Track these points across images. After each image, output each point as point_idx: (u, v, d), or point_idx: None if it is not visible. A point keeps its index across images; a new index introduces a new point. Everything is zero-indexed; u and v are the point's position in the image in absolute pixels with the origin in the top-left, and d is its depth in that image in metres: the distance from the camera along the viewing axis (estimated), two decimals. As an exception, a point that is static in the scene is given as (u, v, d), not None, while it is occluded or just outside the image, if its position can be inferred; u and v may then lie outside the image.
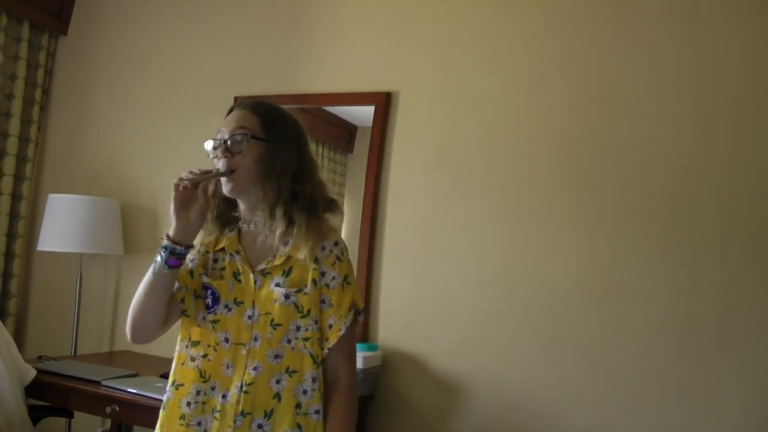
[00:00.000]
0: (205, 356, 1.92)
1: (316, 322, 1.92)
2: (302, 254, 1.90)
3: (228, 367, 1.89)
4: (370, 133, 3.52)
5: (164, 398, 1.96)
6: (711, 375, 2.88)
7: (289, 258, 1.92)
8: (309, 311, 1.91)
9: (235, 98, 3.87)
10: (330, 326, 1.93)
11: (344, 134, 3.70)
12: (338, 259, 1.96)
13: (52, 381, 3.20)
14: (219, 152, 1.91)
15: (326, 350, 1.93)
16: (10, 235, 4.30)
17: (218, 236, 2.01)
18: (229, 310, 1.92)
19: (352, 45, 3.69)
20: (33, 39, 4.32)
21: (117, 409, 3.03)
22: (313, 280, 1.91)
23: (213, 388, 1.90)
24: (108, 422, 3.99)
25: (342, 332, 1.94)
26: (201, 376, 1.91)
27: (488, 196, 3.31)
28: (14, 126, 4.23)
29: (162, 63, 4.20)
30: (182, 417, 1.90)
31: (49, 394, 3.25)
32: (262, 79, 3.86)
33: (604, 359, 3.05)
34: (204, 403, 1.89)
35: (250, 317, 1.90)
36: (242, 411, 1.86)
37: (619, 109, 3.11)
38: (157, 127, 4.17)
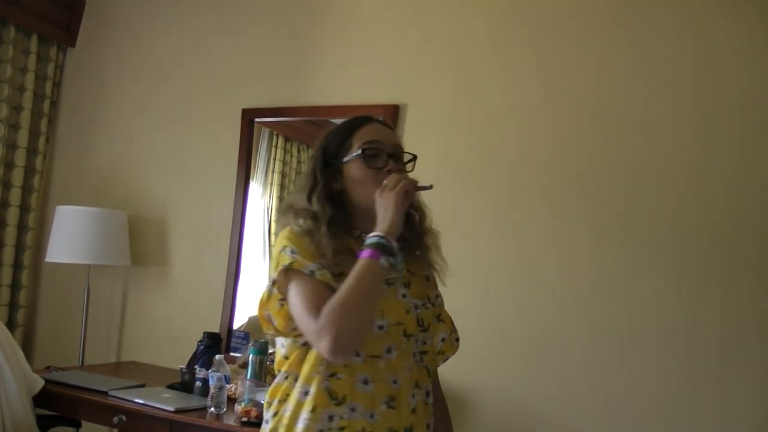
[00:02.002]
0: (333, 375, 1.71)
1: (432, 336, 1.90)
2: (420, 270, 1.91)
3: (366, 384, 1.71)
4: (378, 146, 3.52)
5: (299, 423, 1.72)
6: (717, 390, 2.87)
7: (407, 271, 1.86)
8: (429, 326, 1.88)
9: (243, 110, 3.90)
10: (443, 340, 1.95)
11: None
12: (439, 278, 1.98)
13: (60, 391, 3.20)
14: (391, 165, 1.83)
15: (440, 363, 1.98)
16: (19, 247, 4.33)
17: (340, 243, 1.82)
18: None
19: (361, 57, 3.70)
20: (41, 51, 4.36)
21: (124, 419, 3.03)
22: (428, 297, 1.90)
23: (353, 410, 1.70)
24: (115, 432, 4.01)
25: (456, 346, 2.00)
26: (332, 398, 1.70)
27: (496, 211, 3.31)
28: (23, 138, 4.26)
29: (170, 76, 4.23)
30: None
31: (57, 403, 3.26)
32: (271, 92, 3.89)
33: (610, 375, 3.05)
34: (342, 428, 1.68)
35: (380, 327, 1.76)
36: (389, 428, 1.73)
37: (626, 123, 3.11)
38: (164, 139, 4.20)
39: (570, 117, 3.21)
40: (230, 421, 2.83)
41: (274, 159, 3.92)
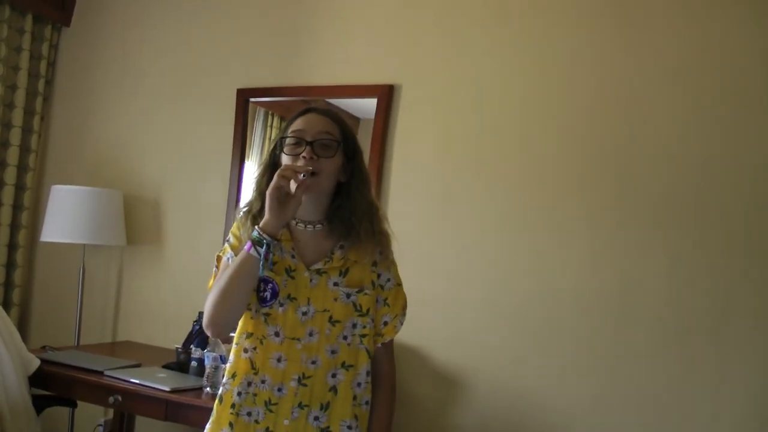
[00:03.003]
0: (254, 348, 1.94)
1: (372, 320, 2.00)
2: (362, 258, 1.98)
3: (280, 361, 1.92)
4: (373, 126, 3.52)
5: (220, 391, 1.98)
6: (710, 374, 2.89)
7: (346, 260, 1.97)
8: (368, 311, 1.98)
9: (238, 90, 3.88)
10: (385, 323, 2.05)
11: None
12: (393, 262, 2.08)
13: (56, 371, 3.22)
14: (305, 152, 1.90)
15: (378, 345, 2.04)
16: (14, 226, 4.32)
17: None
18: (281, 305, 1.93)
19: (356, 37, 3.69)
20: (36, 31, 4.33)
21: (120, 399, 3.05)
22: (372, 282, 2.01)
23: (263, 381, 1.92)
24: (111, 412, 4.02)
25: (398, 329, 2.08)
26: (252, 367, 1.94)
27: (491, 192, 3.31)
28: (17, 117, 4.25)
29: (165, 55, 4.21)
30: (233, 406, 1.93)
31: (52, 383, 3.27)
32: (265, 71, 3.87)
33: (604, 355, 3.06)
34: (255, 394, 1.92)
35: (304, 313, 1.93)
36: (299, 403, 1.92)
37: (624, 107, 3.11)
38: (160, 118, 4.18)
39: (566, 99, 3.20)
40: (226, 400, 2.83)
41: (269, 139, 3.91)
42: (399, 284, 2.09)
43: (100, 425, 4.12)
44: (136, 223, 4.18)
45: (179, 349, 3.33)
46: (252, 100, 3.88)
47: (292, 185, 1.82)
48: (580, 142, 3.17)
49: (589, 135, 3.15)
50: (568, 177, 3.17)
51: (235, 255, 1.95)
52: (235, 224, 2.05)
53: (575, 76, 3.19)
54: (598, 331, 3.08)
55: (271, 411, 1.91)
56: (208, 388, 2.92)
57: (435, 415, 3.35)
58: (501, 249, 3.27)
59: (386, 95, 3.50)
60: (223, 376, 2.00)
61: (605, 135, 3.12)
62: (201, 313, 3.38)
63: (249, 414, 1.92)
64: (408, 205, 3.48)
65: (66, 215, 3.90)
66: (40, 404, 3.28)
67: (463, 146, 3.38)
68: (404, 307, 2.10)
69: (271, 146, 2.03)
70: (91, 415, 4.09)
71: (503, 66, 3.34)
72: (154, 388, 2.97)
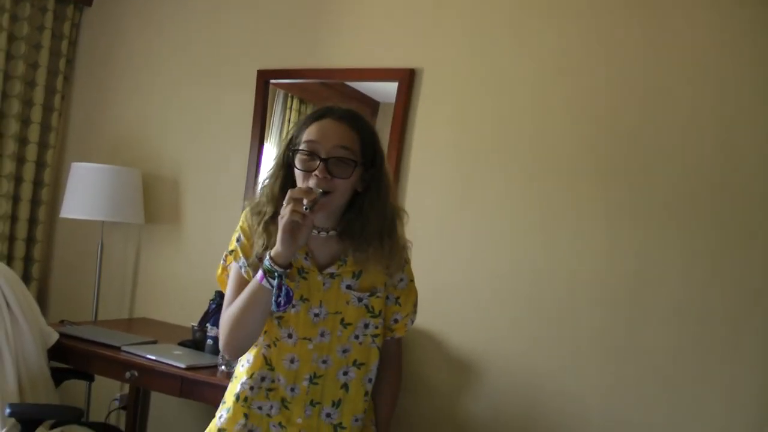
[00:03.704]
0: (269, 346, 1.93)
1: (384, 319, 2.01)
2: (378, 265, 1.94)
3: (293, 362, 1.92)
4: (393, 110, 3.51)
5: (237, 390, 1.97)
6: (726, 365, 2.87)
7: (360, 263, 1.93)
8: (380, 312, 1.98)
9: (258, 71, 3.90)
10: (395, 320, 2.06)
11: (366, 110, 3.69)
12: (406, 262, 2.05)
13: (74, 345, 3.26)
14: (318, 170, 1.80)
15: (387, 338, 2.05)
16: (34, 202, 4.37)
17: None
18: (294, 306, 1.89)
19: (377, 20, 3.67)
20: (58, 10, 4.35)
21: (136, 374, 3.08)
22: (384, 284, 1.99)
23: (279, 380, 1.93)
24: (127, 387, 4.07)
25: (408, 327, 2.09)
26: (267, 363, 1.94)
27: (511, 179, 3.30)
28: (38, 95, 4.28)
29: (185, 35, 4.22)
30: (245, 399, 1.94)
31: (70, 357, 3.32)
32: (285, 54, 3.88)
33: (618, 344, 3.05)
34: (270, 389, 1.93)
35: (316, 315, 1.91)
36: (311, 401, 1.93)
37: (646, 95, 3.08)
38: (180, 98, 4.20)
39: (587, 86, 3.18)
40: (241, 378, 2.86)
41: (289, 121, 3.92)
42: (411, 280, 2.08)
43: (116, 399, 4.17)
44: (155, 201, 4.22)
45: (195, 327, 3.36)
46: (272, 81, 3.89)
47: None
48: (600, 131, 3.14)
49: (610, 123, 3.12)
50: (588, 165, 3.16)
51: (246, 258, 1.91)
52: (243, 218, 1.98)
53: (598, 63, 3.17)
54: (613, 321, 3.07)
55: (286, 408, 1.93)
56: (223, 366, 2.95)
57: (448, 401, 3.37)
58: (518, 238, 3.27)
59: (407, 79, 3.48)
60: (237, 375, 2.00)
61: (626, 123, 3.10)
62: (218, 292, 3.43)
63: (260, 408, 1.94)
64: (426, 191, 3.47)
65: (85, 192, 3.94)
66: (58, 377, 3.32)
67: (483, 133, 3.37)
68: (415, 305, 2.10)
69: (283, 146, 1.93)
70: (108, 390, 4.15)
71: (526, 52, 3.32)
72: (169, 364, 3.00)
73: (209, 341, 3.20)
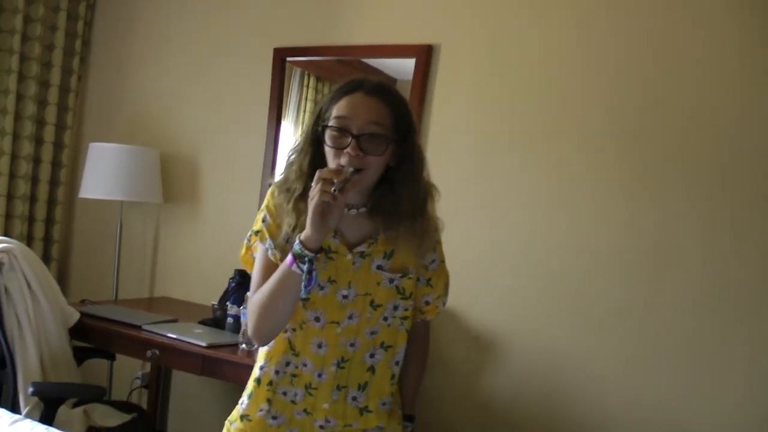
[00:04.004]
0: (293, 330, 1.86)
1: (414, 301, 1.94)
2: (409, 245, 1.85)
3: (320, 347, 1.84)
4: (410, 87, 3.48)
5: (257, 374, 1.92)
6: (747, 338, 2.85)
7: (391, 242, 1.85)
8: (411, 294, 1.90)
9: (275, 49, 3.88)
10: (426, 302, 1.98)
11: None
12: (438, 242, 1.97)
13: (95, 324, 3.28)
14: (350, 148, 1.71)
15: (417, 320, 1.99)
16: (53, 183, 4.39)
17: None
18: (322, 288, 1.81)
19: (394, -4, 3.65)
20: (73, -10, 4.36)
21: (157, 353, 3.10)
22: (415, 264, 1.90)
23: (305, 365, 1.86)
24: (148, 365, 4.10)
25: (439, 309, 2.01)
26: (291, 348, 1.87)
27: (530, 155, 3.27)
28: (55, 76, 4.29)
29: (202, 14, 4.20)
30: (270, 383, 1.89)
31: (92, 336, 3.34)
32: (302, 31, 3.85)
33: (639, 320, 3.04)
34: (294, 375, 1.87)
35: (345, 296, 1.83)
36: (338, 385, 1.87)
37: (666, 68, 3.03)
38: (196, 77, 4.19)
39: (609, 58, 3.14)
40: (261, 357, 2.88)
41: (306, 99, 3.91)
42: (443, 261, 2.00)
43: (138, 378, 4.20)
44: (173, 180, 4.22)
45: (215, 306, 3.37)
46: (289, 59, 3.87)
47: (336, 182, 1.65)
48: (624, 105, 3.11)
49: (634, 98, 3.08)
50: (607, 139, 3.13)
51: (273, 239, 1.82)
52: (268, 197, 1.89)
53: (617, 39, 3.13)
54: (634, 297, 3.06)
55: (310, 394, 1.87)
56: (243, 345, 2.97)
57: (469, 379, 3.37)
58: (537, 214, 3.25)
59: (425, 55, 3.45)
60: (258, 357, 1.94)
61: (651, 98, 3.06)
62: (237, 270, 3.45)
63: (285, 393, 1.89)
64: (444, 168, 3.41)
65: (104, 172, 3.95)
66: (80, 356, 3.35)
67: (501, 109, 3.34)
68: (446, 286, 2.02)
69: (312, 120, 1.83)
70: (130, 368, 4.18)
71: (546, 27, 3.28)
72: (190, 343, 3.02)
73: (229, 319, 3.21)
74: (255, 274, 1.86)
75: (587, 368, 3.13)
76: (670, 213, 3.00)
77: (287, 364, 1.88)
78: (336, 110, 1.75)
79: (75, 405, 3.15)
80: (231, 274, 3.47)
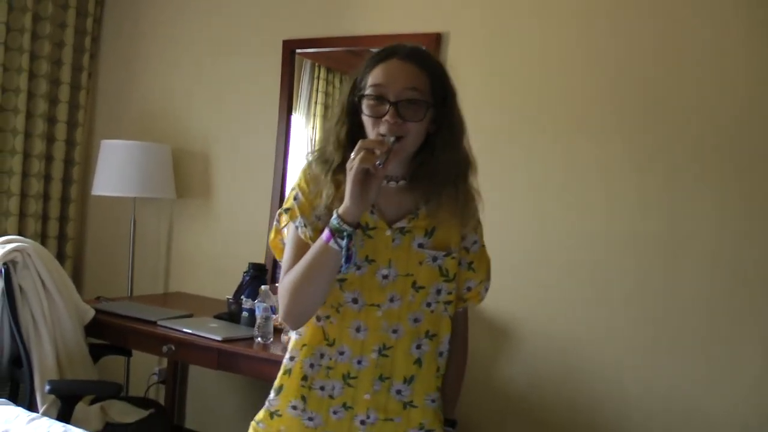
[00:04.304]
0: (328, 317, 1.75)
1: (457, 285, 1.82)
2: (449, 218, 1.76)
3: (359, 331, 1.73)
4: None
5: (287, 365, 1.81)
6: (763, 320, 2.84)
7: (433, 217, 1.75)
8: (454, 276, 1.78)
9: (284, 41, 3.87)
10: (468, 288, 1.86)
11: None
12: (479, 222, 1.89)
13: (111, 321, 3.29)
14: (388, 115, 1.63)
15: (459, 309, 1.87)
16: (66, 181, 4.40)
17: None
18: (359, 268, 1.71)
19: (402, -15, 3.63)
20: (82, -14, 4.36)
21: (173, 348, 3.10)
22: (458, 244, 1.80)
23: (341, 353, 1.74)
24: (165, 361, 4.10)
25: (482, 296, 1.91)
26: (325, 338, 1.75)
27: (538, 142, 3.27)
28: (65, 74, 4.29)
29: (210, 8, 4.19)
30: (304, 378, 1.76)
31: (107, 333, 3.35)
32: (310, 22, 3.84)
33: (653, 305, 3.03)
34: (330, 368, 1.75)
35: (384, 277, 1.72)
36: (380, 375, 1.74)
37: (670, 54, 3.02)
38: (206, 72, 4.19)
39: (613, 46, 3.13)
40: (277, 350, 2.88)
41: (317, 90, 3.90)
42: (483, 245, 1.90)
43: (155, 374, 4.21)
44: (185, 176, 4.22)
45: (230, 300, 3.36)
46: (298, 51, 3.86)
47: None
48: (629, 92, 3.10)
49: (639, 85, 3.08)
50: (618, 126, 3.12)
51: (306, 217, 1.73)
52: (301, 175, 1.79)
53: (623, 27, 3.11)
54: (647, 282, 3.05)
55: (350, 385, 1.74)
56: (259, 338, 2.96)
57: (484, 366, 3.35)
58: (548, 199, 3.24)
59: (433, 44, 3.43)
60: (289, 349, 1.82)
61: (655, 85, 3.05)
62: (252, 264, 3.44)
63: (322, 388, 1.75)
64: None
65: (116, 169, 3.95)
66: (96, 353, 3.35)
67: (509, 96, 3.33)
68: (489, 271, 1.91)
69: (347, 90, 1.75)
70: (147, 364, 4.19)
71: (551, 16, 3.27)
72: (206, 337, 3.01)
73: (244, 313, 3.20)
74: (286, 255, 1.76)
75: (602, 354, 3.13)
76: (682, 196, 2.99)
77: (321, 356, 1.76)
78: (372, 78, 1.68)
79: (92, 402, 3.15)
80: (245, 267, 3.46)
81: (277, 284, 3.69)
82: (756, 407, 2.84)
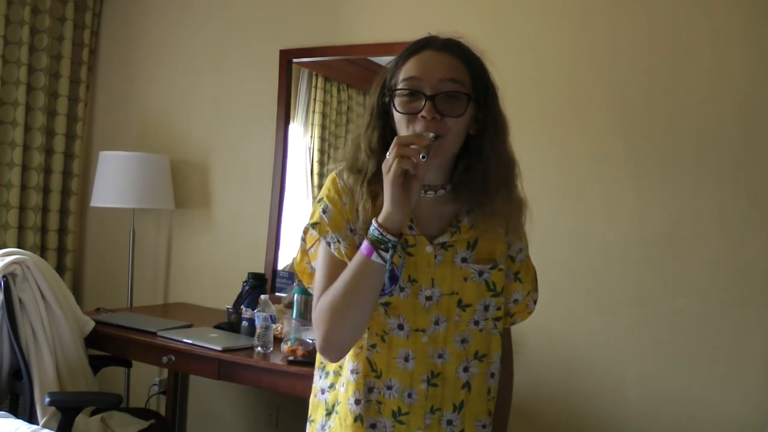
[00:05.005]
0: (373, 346, 1.56)
1: (507, 300, 1.67)
2: (494, 227, 1.61)
3: (407, 360, 1.55)
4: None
5: (321, 396, 1.67)
6: (764, 323, 2.84)
7: (476, 228, 1.60)
8: (502, 289, 1.63)
9: (281, 51, 3.87)
10: (515, 301, 1.70)
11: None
12: (523, 229, 1.72)
13: (110, 332, 3.27)
14: (424, 111, 1.47)
15: (507, 326, 1.72)
16: (64, 193, 4.39)
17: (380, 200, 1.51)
18: (402, 290, 1.54)
19: (397, -7, 3.63)
20: (78, 0, 4.36)
21: (173, 358, 3.09)
22: (504, 255, 1.65)
23: (390, 387, 1.56)
24: (165, 371, 4.09)
25: (530, 309, 1.74)
26: (372, 369, 1.57)
27: (536, 144, 3.26)
28: (63, 86, 4.30)
29: (207, 19, 4.20)
30: (358, 420, 1.56)
31: (107, 344, 3.33)
32: (308, 31, 3.85)
33: (654, 308, 3.03)
34: (380, 402, 1.56)
35: (428, 298, 1.56)
36: (431, 407, 1.57)
37: (668, 53, 3.03)
38: (203, 82, 4.19)
39: (610, 46, 3.14)
40: (277, 360, 2.87)
41: (314, 100, 3.90)
42: (528, 255, 1.75)
43: (155, 384, 4.20)
44: (184, 187, 4.22)
45: (230, 310, 3.36)
46: (295, 60, 3.87)
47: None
48: (627, 92, 3.11)
49: (637, 85, 3.09)
50: (616, 127, 3.12)
51: (339, 232, 1.55)
52: (330, 185, 1.60)
53: (621, 25, 3.12)
54: (648, 284, 3.05)
55: (401, 422, 1.56)
56: (259, 348, 2.95)
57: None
58: (549, 202, 3.23)
59: (430, 52, 3.44)
60: (322, 380, 1.67)
61: (653, 85, 3.06)
62: (251, 274, 3.43)
63: (373, 426, 1.57)
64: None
65: (115, 181, 3.95)
66: (96, 364, 3.34)
67: (509, 100, 3.31)
68: (536, 281, 1.75)
69: (377, 92, 1.59)
70: (147, 375, 4.18)
71: (546, 17, 3.28)
72: (206, 347, 3.00)
73: (244, 323, 3.20)
74: (318, 277, 1.57)
75: (602, 358, 3.12)
76: (681, 197, 3.00)
77: (370, 390, 1.57)
78: (404, 72, 1.52)
79: (92, 413, 3.15)
80: (244, 277, 3.46)
81: (276, 293, 3.72)
82: (758, 411, 2.83)
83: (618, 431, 3.09)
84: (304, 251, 1.67)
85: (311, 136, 3.92)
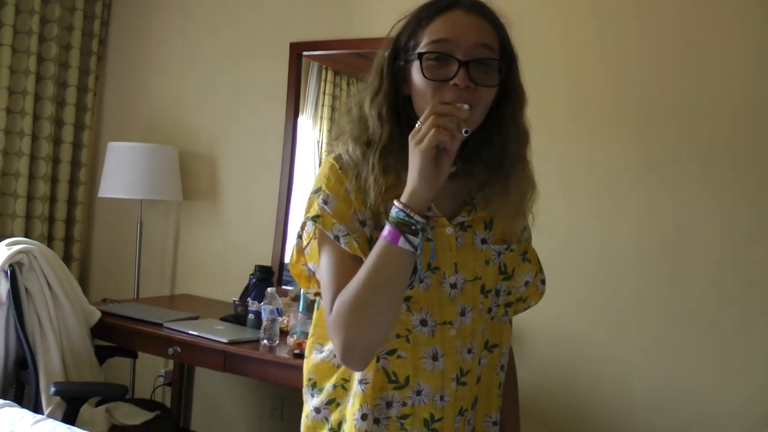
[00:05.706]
0: (394, 352, 1.38)
1: (516, 283, 1.51)
2: (507, 205, 1.45)
3: (436, 359, 1.38)
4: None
5: (320, 414, 1.46)
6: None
7: (491, 205, 1.44)
8: (513, 271, 1.48)
9: (291, 44, 3.86)
10: (526, 283, 1.54)
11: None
12: (530, 208, 1.56)
13: (117, 323, 3.28)
14: (458, 78, 1.29)
15: (520, 311, 1.58)
16: (72, 183, 4.40)
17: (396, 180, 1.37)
18: (421, 280, 1.36)
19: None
20: (89, -11, 4.37)
21: (179, 350, 3.09)
22: (513, 237, 1.51)
23: (419, 393, 1.38)
24: (171, 363, 4.10)
25: (541, 290, 1.60)
26: (391, 379, 1.38)
27: (545, 143, 3.21)
28: (73, 76, 4.29)
29: (218, 10, 4.19)
30: None
31: (113, 335, 3.34)
32: (317, 25, 3.84)
33: (660, 305, 3.02)
34: (405, 416, 1.38)
35: (452, 286, 1.39)
36: (460, 409, 1.42)
37: (679, 52, 3.01)
38: (213, 74, 4.19)
39: (621, 45, 3.12)
40: (283, 353, 2.87)
41: (324, 93, 3.89)
42: (530, 233, 1.61)
43: (161, 376, 4.21)
44: (192, 178, 4.22)
45: (236, 302, 3.36)
46: (305, 54, 3.86)
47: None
48: (637, 90, 3.09)
49: (647, 83, 3.07)
50: (626, 126, 3.11)
51: (347, 224, 1.34)
52: (328, 173, 1.39)
53: (630, 24, 3.10)
54: (655, 282, 3.04)
55: (434, 431, 1.39)
56: (265, 341, 2.95)
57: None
58: (558, 201, 3.22)
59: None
60: (318, 394, 1.47)
61: (663, 83, 3.04)
62: (258, 267, 3.43)
63: None
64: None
65: (123, 171, 3.95)
66: (102, 355, 3.34)
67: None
68: (539, 261, 1.60)
69: (387, 53, 1.41)
70: (153, 366, 4.19)
71: (563, 14, 3.26)
72: (212, 339, 3.00)
73: (251, 316, 3.20)
74: (327, 278, 1.35)
75: (608, 355, 3.11)
76: (686, 196, 2.98)
77: (389, 405, 1.38)
78: (431, 34, 1.35)
79: (98, 404, 3.15)
80: (251, 270, 3.45)
81: (283, 286, 3.71)
82: (763, 407, 2.82)
83: (623, 426, 3.08)
84: (300, 251, 1.47)
85: (320, 130, 3.92)
